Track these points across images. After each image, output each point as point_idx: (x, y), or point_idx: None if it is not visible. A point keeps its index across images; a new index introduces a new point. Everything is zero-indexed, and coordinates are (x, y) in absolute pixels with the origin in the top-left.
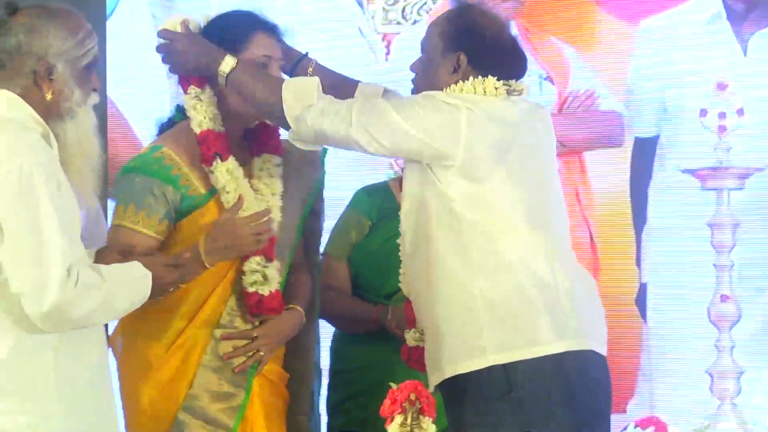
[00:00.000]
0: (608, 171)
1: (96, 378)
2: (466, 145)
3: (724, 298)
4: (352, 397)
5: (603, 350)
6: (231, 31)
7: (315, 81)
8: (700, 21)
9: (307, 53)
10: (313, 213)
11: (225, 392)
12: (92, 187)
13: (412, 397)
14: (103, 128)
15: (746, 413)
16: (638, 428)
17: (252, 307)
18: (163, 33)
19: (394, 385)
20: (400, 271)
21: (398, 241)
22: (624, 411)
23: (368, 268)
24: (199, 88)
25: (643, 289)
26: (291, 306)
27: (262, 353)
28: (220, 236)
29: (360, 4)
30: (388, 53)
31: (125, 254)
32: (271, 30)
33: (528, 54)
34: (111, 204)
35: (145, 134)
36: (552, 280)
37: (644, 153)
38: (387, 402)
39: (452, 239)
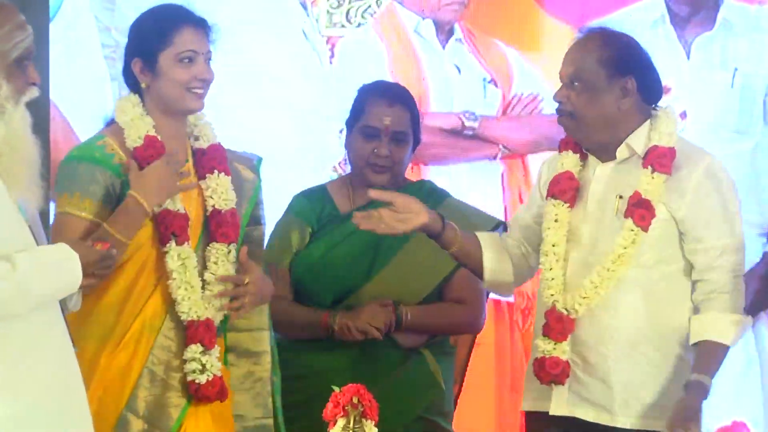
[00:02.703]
0: None
1: (57, 376)
2: None
3: None
4: (296, 405)
5: None
6: (157, 28)
7: None
8: (644, 24)
9: (445, 220)
10: (253, 220)
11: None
12: (27, 186)
13: (355, 400)
14: (45, 131)
15: None
16: None
17: (192, 392)
18: None
19: (336, 389)
20: (550, 276)
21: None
22: None
23: (310, 278)
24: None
25: None
26: None
27: (246, 299)
28: (149, 179)
29: (304, 7)
30: (332, 56)
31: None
32: (196, 24)
33: (472, 57)
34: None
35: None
36: None
37: None
38: (330, 405)
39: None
